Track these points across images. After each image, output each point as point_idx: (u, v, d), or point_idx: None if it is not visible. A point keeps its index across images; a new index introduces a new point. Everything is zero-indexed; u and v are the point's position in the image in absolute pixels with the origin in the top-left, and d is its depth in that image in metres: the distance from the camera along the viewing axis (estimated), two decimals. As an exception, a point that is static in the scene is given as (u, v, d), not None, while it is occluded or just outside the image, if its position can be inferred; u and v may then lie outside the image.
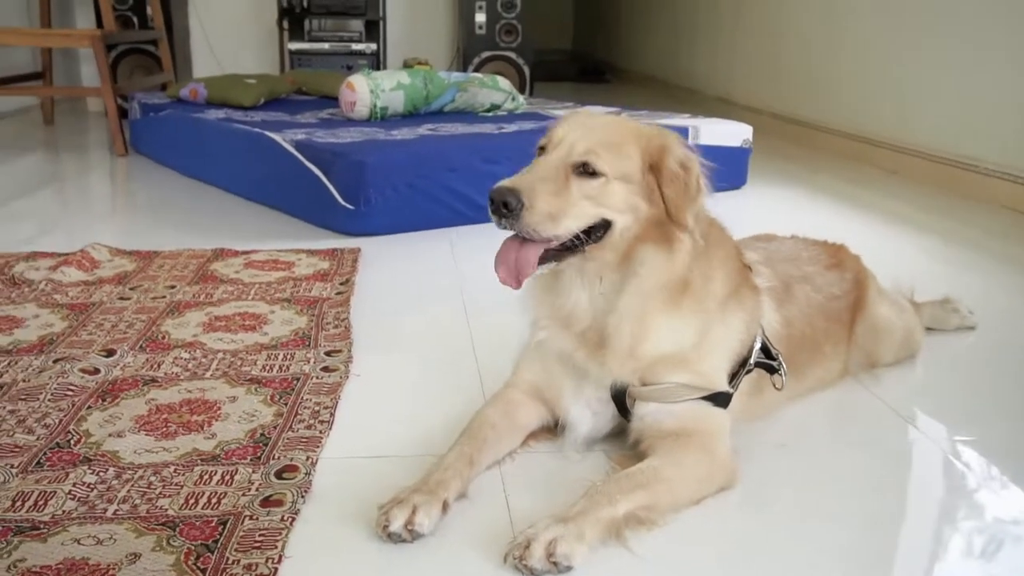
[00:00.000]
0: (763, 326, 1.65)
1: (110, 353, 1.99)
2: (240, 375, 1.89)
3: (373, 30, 6.59)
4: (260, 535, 1.32)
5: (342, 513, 1.39)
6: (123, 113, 4.86)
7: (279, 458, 1.54)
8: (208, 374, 1.90)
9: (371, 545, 1.32)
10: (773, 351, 1.64)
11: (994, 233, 3.43)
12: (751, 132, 4.16)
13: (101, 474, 1.47)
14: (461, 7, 6.83)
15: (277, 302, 2.37)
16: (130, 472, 1.48)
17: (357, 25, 6.61)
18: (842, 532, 1.40)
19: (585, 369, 1.54)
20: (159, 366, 1.93)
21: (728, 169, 4.02)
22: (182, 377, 1.88)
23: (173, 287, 2.47)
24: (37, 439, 1.59)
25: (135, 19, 5.87)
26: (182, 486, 1.45)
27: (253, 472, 1.49)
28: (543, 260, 1.45)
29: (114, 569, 1.23)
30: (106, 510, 1.37)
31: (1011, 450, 1.69)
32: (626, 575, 1.27)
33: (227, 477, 1.48)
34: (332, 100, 4.53)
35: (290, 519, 1.36)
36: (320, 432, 1.65)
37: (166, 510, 1.38)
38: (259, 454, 1.56)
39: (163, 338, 2.10)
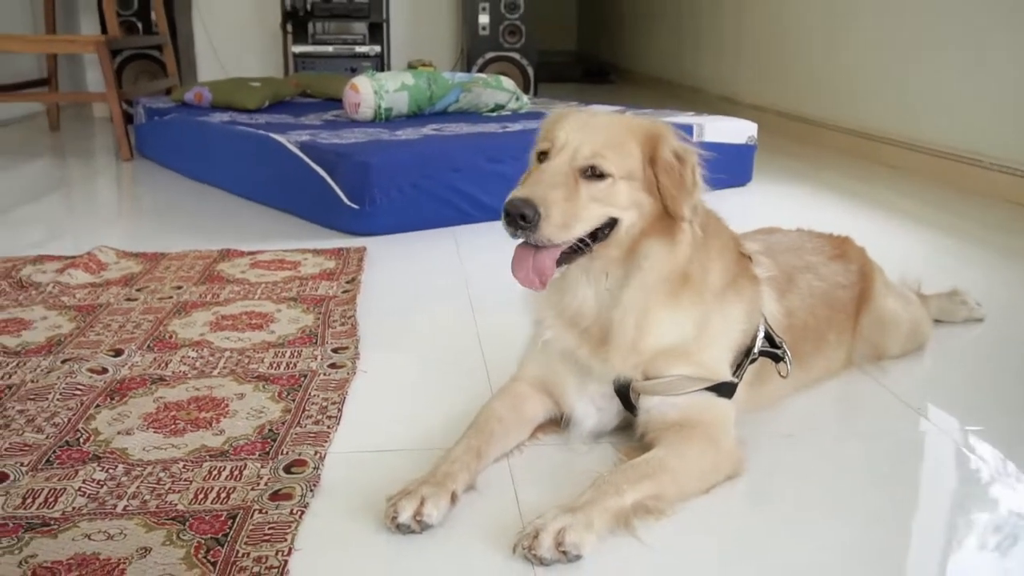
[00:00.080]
0: (765, 315, 1.65)
1: (118, 353, 2.00)
2: (247, 373, 1.90)
3: (377, 32, 6.60)
4: (270, 528, 1.32)
5: (351, 506, 1.40)
6: (128, 118, 4.88)
7: (287, 453, 1.55)
8: (216, 372, 1.90)
9: (380, 537, 1.33)
10: (777, 339, 1.64)
11: (998, 227, 3.42)
12: (756, 129, 4.15)
13: (110, 471, 1.48)
14: (465, 9, 6.84)
15: (283, 301, 2.37)
16: (139, 469, 1.49)
17: (361, 28, 6.62)
18: (850, 522, 1.40)
19: (588, 366, 1.55)
20: (167, 365, 1.94)
21: (733, 166, 4.02)
22: (190, 375, 1.89)
23: (180, 288, 2.48)
24: (46, 438, 1.60)
25: (139, 25, 5.89)
26: (191, 481, 1.45)
27: (262, 467, 1.50)
28: (557, 264, 1.45)
29: (125, 563, 1.23)
30: (116, 506, 1.38)
31: (1021, 440, 1.69)
32: (634, 564, 1.27)
33: (236, 472, 1.48)
34: (336, 102, 4.55)
35: (299, 512, 1.37)
36: (328, 427, 1.65)
37: (176, 505, 1.38)
38: (267, 449, 1.56)
39: (170, 337, 2.10)
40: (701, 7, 7.59)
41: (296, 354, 2.00)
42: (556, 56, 10.63)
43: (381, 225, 3.12)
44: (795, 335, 1.72)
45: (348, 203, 3.10)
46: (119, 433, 1.62)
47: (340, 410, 1.73)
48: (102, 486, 1.43)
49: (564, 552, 1.24)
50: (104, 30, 5.36)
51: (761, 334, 1.62)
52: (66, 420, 1.66)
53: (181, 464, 1.51)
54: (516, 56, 6.76)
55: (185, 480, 1.46)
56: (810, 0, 5.65)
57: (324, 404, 1.75)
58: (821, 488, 1.51)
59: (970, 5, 4.11)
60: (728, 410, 1.54)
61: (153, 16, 5.77)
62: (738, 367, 1.58)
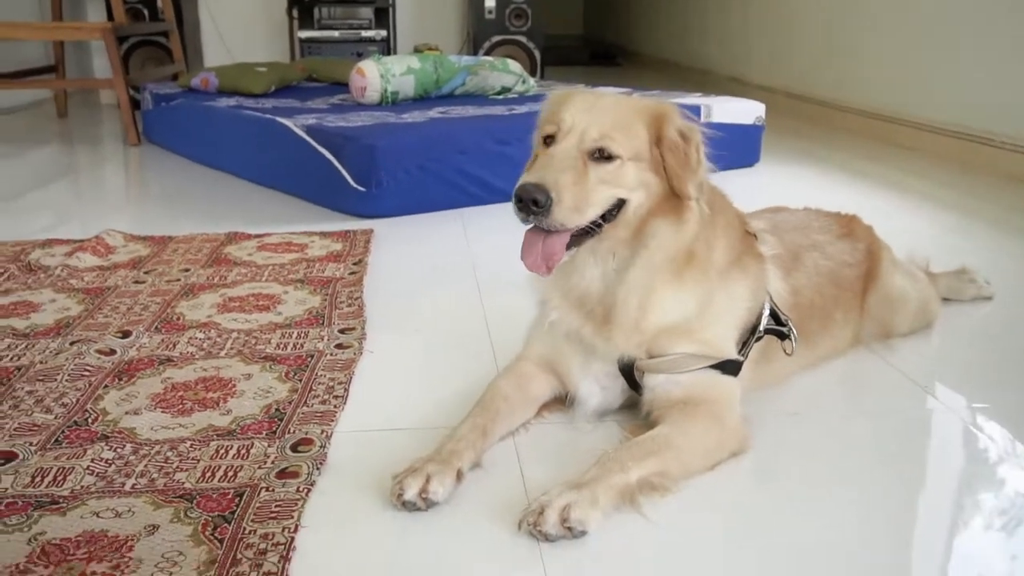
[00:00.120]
0: (770, 293, 1.64)
1: (126, 334, 2.00)
2: (255, 353, 1.90)
3: (383, 17, 6.58)
4: (276, 506, 1.33)
5: (357, 484, 1.40)
6: (135, 104, 4.88)
7: (294, 432, 1.56)
8: (223, 353, 1.91)
9: (386, 514, 1.33)
10: (783, 317, 1.64)
11: (1008, 206, 3.40)
12: (763, 110, 4.13)
13: (119, 450, 1.49)
14: (470, -8, 6.82)
15: (291, 283, 2.38)
16: (147, 448, 1.50)
17: (367, 12, 6.60)
18: (856, 500, 1.40)
19: (592, 345, 1.55)
20: (174, 346, 1.95)
21: (741, 147, 4.00)
22: (197, 356, 1.89)
23: (187, 270, 2.49)
24: (55, 418, 1.61)
25: (145, 11, 5.88)
26: (199, 460, 1.46)
27: (269, 446, 1.51)
28: (567, 247, 1.45)
29: (133, 540, 1.24)
30: (124, 484, 1.38)
31: (1028, 417, 1.69)
32: (639, 541, 1.28)
33: (243, 451, 1.49)
34: (343, 86, 4.54)
35: (306, 490, 1.37)
36: (335, 407, 1.66)
37: (183, 483, 1.39)
38: (274, 428, 1.57)
39: (178, 319, 2.11)
40: (709, -12, 7.54)
41: (303, 335, 2.01)
42: (562, 39, 10.58)
43: (388, 207, 3.12)
44: (801, 313, 1.71)
45: (355, 186, 3.10)
46: (127, 413, 1.63)
47: (347, 390, 1.73)
48: (110, 465, 1.44)
49: (569, 528, 1.25)
50: (110, 17, 5.35)
51: (766, 312, 1.61)
52: (75, 400, 1.67)
53: (188, 443, 1.52)
54: (522, 39, 6.73)
55: (192, 459, 1.46)
56: (819, -20, 5.61)
57: (331, 384, 1.75)
58: (827, 465, 1.51)
59: (980, -17, 4.07)
60: (733, 388, 1.54)
61: (159, 3, 5.77)
62: (743, 345, 1.58)
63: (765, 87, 6.16)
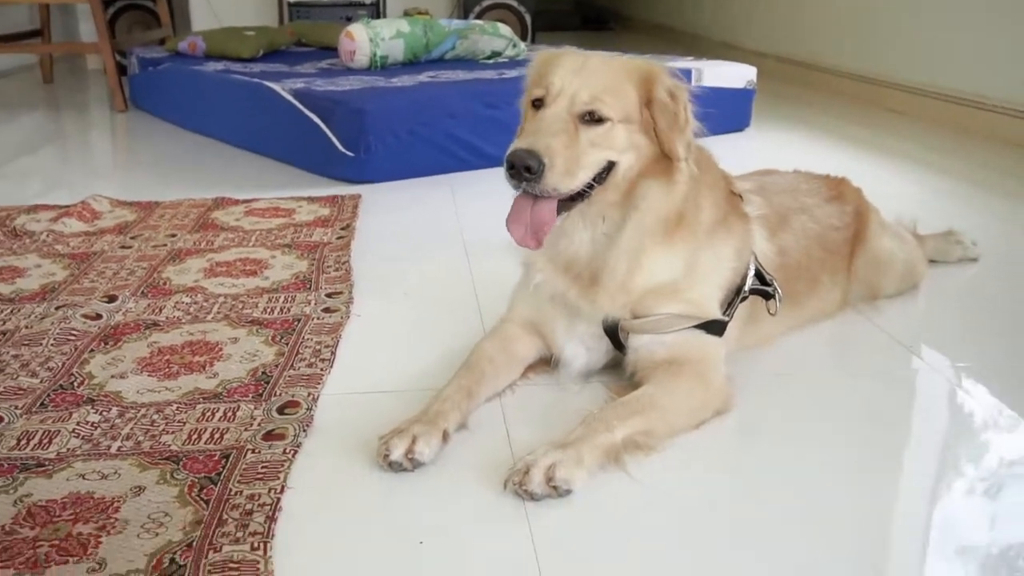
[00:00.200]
0: (755, 253, 1.64)
1: (112, 299, 2.00)
2: (241, 317, 1.90)
3: (372, -20, 6.49)
4: (263, 467, 1.33)
5: (343, 446, 1.41)
6: (122, 69, 4.83)
7: (280, 395, 1.56)
8: (209, 317, 1.91)
9: (373, 475, 1.34)
10: (767, 277, 1.64)
11: (998, 169, 3.40)
12: (755, 73, 4.11)
13: (104, 413, 1.49)
14: (461, -45, 6.72)
15: (278, 248, 2.37)
16: (133, 411, 1.50)
17: (356, -24, 6.51)
18: (840, 457, 1.41)
19: (577, 306, 1.55)
20: (160, 311, 1.94)
21: (732, 110, 3.99)
22: (183, 321, 1.89)
23: (174, 235, 2.48)
24: (41, 382, 1.60)
25: (131, -26, 5.81)
26: (185, 423, 1.46)
27: (255, 408, 1.51)
28: (556, 212, 1.44)
29: (119, 501, 1.25)
30: (110, 447, 1.39)
31: (1012, 379, 1.69)
32: (624, 499, 1.28)
33: (229, 414, 1.49)
34: (332, 51, 4.49)
35: (292, 452, 1.38)
36: (321, 370, 1.66)
37: (169, 446, 1.39)
38: (261, 391, 1.57)
39: (164, 284, 2.10)
40: (702, -49, 7.46)
41: (290, 299, 2.00)
42: (554, 4, 10.45)
43: (376, 172, 3.10)
44: (787, 274, 1.72)
45: (343, 150, 3.08)
46: (113, 377, 1.63)
47: (333, 353, 1.73)
48: (96, 428, 1.44)
49: (555, 487, 1.25)
50: (96, -21, 5.28)
51: (751, 272, 1.61)
52: (60, 364, 1.67)
53: (175, 406, 1.52)
54: (513, 3, 6.65)
55: (179, 422, 1.47)
56: (812, -58, 5.56)
57: (317, 347, 1.75)
58: (811, 425, 1.51)
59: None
60: (717, 347, 1.54)
61: (145, -35, 5.69)
62: (728, 305, 1.58)
63: (757, 52, 6.11)
